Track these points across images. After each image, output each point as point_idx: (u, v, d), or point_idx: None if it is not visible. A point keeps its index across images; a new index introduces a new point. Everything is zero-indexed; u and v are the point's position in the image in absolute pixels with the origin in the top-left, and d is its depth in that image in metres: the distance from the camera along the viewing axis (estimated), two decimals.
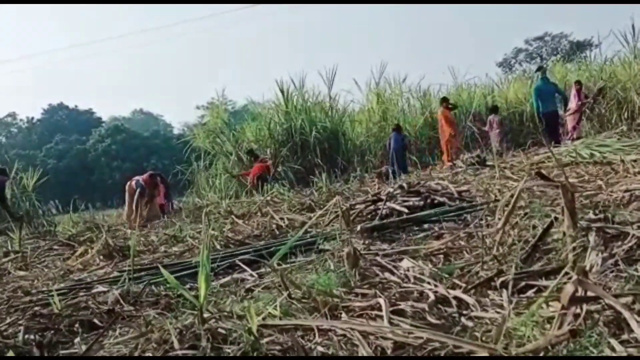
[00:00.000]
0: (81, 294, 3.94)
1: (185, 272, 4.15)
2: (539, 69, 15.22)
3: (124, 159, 44.66)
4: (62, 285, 4.42)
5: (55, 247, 7.58)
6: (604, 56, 22.08)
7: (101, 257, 5.90)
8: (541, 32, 45.25)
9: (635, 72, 17.59)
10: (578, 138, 12.54)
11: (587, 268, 2.16)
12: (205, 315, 2.31)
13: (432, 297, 2.49)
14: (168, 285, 3.57)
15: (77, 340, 2.62)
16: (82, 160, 45.56)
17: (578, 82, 14.77)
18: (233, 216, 7.49)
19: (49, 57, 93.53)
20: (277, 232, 6.03)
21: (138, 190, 11.30)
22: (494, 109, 15.70)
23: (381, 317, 2.26)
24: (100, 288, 3.95)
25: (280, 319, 2.32)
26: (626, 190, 4.66)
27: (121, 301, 3.38)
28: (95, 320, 2.99)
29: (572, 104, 14.31)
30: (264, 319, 2.28)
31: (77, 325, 2.90)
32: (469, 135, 17.54)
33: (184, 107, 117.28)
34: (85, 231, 9.06)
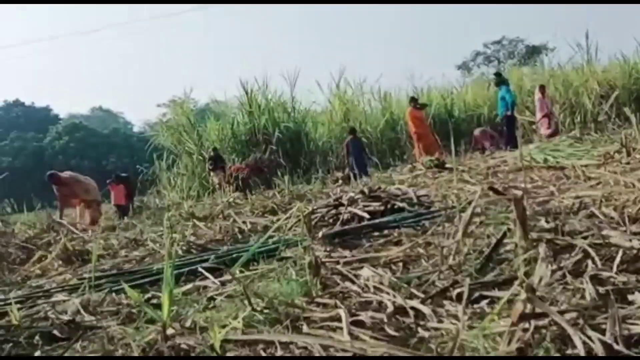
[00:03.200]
0: (40, 302, 3.89)
1: (147, 280, 4.14)
2: (499, 74, 15.63)
3: (82, 157, 43.66)
4: (20, 293, 4.34)
5: (11, 250, 7.39)
6: (557, 60, 22.82)
7: (60, 262, 5.81)
8: (499, 36, 46.29)
9: (587, 77, 18.22)
10: (553, 135, 13.00)
11: (537, 281, 2.27)
12: (168, 331, 2.34)
13: (390, 307, 2.56)
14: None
15: (37, 354, 2.60)
16: (38, 159, 44.32)
17: (542, 87, 15.18)
18: (195, 219, 7.46)
19: (5, 53, 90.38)
20: (240, 237, 6.04)
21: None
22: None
23: (341, 328, 2.32)
24: (60, 297, 3.91)
25: (243, 332, 2.36)
26: (576, 197, 4.86)
27: (81, 311, 3.36)
28: (56, 332, 2.96)
29: (538, 107, 14.68)
30: (226, 332, 2.32)
31: (37, 337, 2.87)
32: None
33: (144, 105, 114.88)
34: (43, 233, 8.88)
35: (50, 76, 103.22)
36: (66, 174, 11.79)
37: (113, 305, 3.50)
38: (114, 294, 3.75)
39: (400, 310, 2.55)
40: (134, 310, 3.28)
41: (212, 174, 15.45)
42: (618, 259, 2.52)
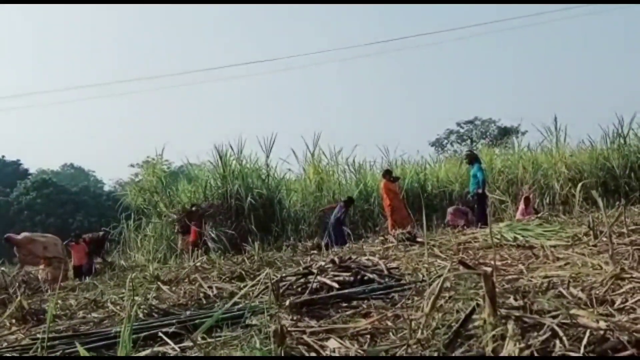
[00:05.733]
0: None
1: (103, 343, 3.96)
2: (471, 152, 15.98)
3: (49, 214, 42.62)
4: None
5: None
6: (527, 143, 23.62)
7: (14, 320, 5.54)
8: (472, 116, 47.81)
9: (556, 160, 18.80)
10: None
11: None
12: None
13: None
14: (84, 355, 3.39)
15: None
16: (3, 214, 43.17)
17: (527, 198, 15.53)
18: (159, 282, 7.26)
19: None
20: (205, 302, 5.88)
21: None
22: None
23: None
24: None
25: None
26: (545, 277, 4.87)
27: None
28: None
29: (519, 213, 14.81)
30: None
31: None
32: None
33: (118, 164, 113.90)
34: None
35: (24, 130, 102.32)
36: (21, 235, 11.52)
37: None
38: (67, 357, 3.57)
39: None
40: None
41: (180, 237, 15.24)
42: (585, 340, 2.50)
